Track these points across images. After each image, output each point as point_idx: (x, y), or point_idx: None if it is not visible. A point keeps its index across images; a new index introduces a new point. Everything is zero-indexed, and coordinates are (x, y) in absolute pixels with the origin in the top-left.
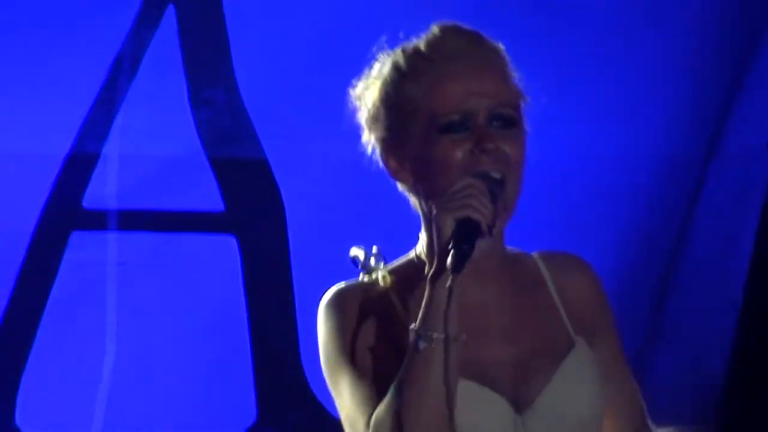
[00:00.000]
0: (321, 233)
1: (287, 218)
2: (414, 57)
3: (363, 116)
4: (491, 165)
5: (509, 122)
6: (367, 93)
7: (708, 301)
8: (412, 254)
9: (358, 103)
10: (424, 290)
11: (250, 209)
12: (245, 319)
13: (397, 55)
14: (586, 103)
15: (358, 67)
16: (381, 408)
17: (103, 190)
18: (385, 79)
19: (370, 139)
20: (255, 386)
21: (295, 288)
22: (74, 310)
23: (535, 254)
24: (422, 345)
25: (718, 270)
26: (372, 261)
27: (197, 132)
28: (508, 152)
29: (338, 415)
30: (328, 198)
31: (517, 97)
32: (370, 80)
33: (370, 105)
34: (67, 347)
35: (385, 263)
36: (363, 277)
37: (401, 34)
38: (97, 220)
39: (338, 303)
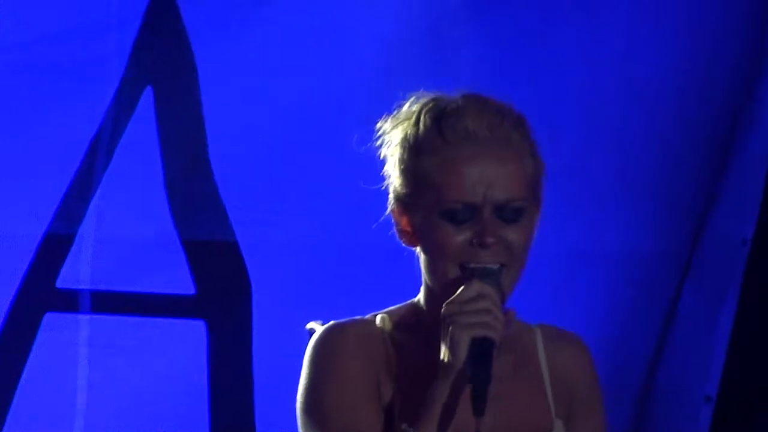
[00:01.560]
0: (288, 318)
1: (255, 302)
2: (431, 131)
3: (386, 153)
4: (490, 257)
5: (518, 215)
6: (393, 133)
7: (685, 397)
8: (412, 302)
9: (383, 137)
10: (421, 341)
11: (220, 294)
12: (206, 402)
13: (421, 114)
14: (571, 199)
15: (328, 153)
16: None
17: (78, 271)
18: (406, 135)
19: (388, 177)
20: None
21: (256, 371)
22: (45, 391)
23: (535, 326)
24: None
25: (696, 365)
26: None
27: (171, 215)
28: (511, 241)
29: None
30: (296, 282)
31: (529, 184)
32: (399, 120)
33: (392, 148)
34: (36, 429)
35: None
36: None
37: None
38: (70, 301)
39: (330, 346)
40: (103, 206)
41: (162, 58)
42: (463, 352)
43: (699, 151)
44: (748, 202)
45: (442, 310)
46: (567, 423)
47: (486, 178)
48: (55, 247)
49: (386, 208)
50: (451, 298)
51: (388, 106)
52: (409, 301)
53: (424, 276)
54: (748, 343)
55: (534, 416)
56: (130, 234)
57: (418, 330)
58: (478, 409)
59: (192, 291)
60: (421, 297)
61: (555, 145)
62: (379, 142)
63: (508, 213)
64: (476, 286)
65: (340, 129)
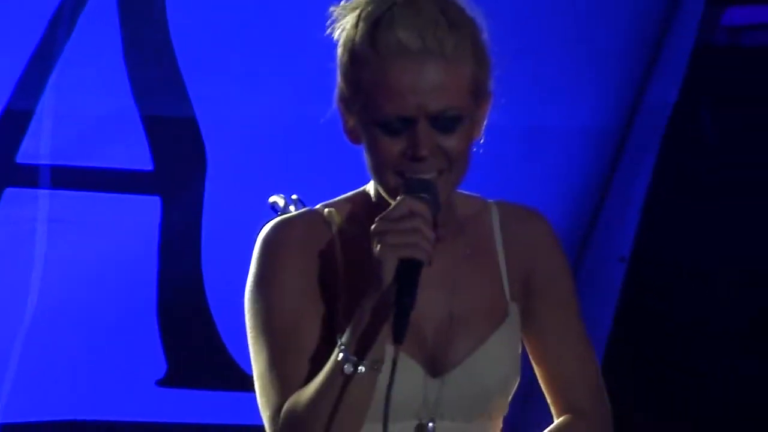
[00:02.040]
0: (243, 196)
1: (210, 177)
2: (365, 41)
3: (337, 38)
4: (426, 168)
5: (454, 123)
6: (343, 21)
7: (605, 258)
8: (362, 191)
9: (336, 22)
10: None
11: (177, 170)
12: (155, 277)
13: (360, 16)
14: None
15: (291, 33)
16: (294, 407)
17: (38, 146)
18: (347, 37)
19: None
20: (162, 341)
21: (208, 246)
22: (2, 264)
23: (492, 203)
24: (349, 368)
25: (616, 229)
26: (292, 208)
27: (131, 91)
28: (449, 149)
29: (245, 364)
30: (253, 159)
31: (468, 89)
32: (348, 9)
33: (341, 38)
34: None
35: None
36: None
37: None
38: (29, 176)
39: (275, 242)
40: (63, 82)
41: None
42: (389, 272)
43: (634, 35)
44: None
45: (372, 227)
46: (531, 299)
47: (419, 89)
48: (14, 122)
49: None
50: (381, 215)
51: None
52: (359, 189)
53: None
54: (660, 207)
55: (488, 300)
56: (90, 109)
57: (368, 222)
58: (398, 335)
59: (150, 167)
60: (371, 186)
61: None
62: (329, 30)
63: (444, 122)
64: (408, 203)
65: (304, 11)
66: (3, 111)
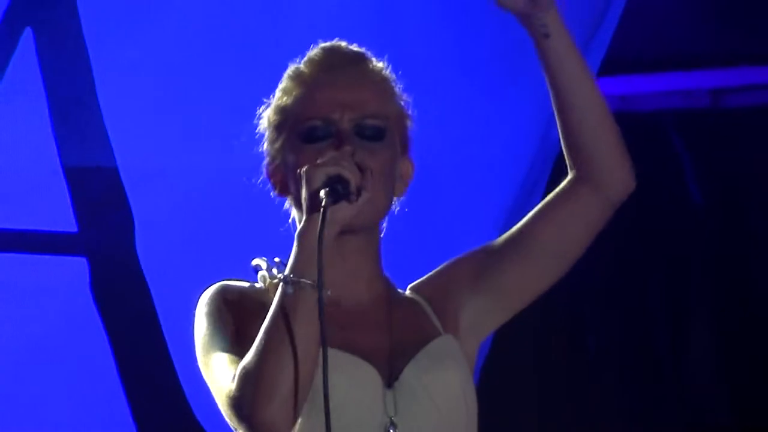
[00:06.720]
0: (174, 245)
1: (138, 231)
2: (291, 75)
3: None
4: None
5: (376, 134)
6: (265, 112)
7: None
8: None
9: (260, 126)
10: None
11: (102, 228)
12: (106, 342)
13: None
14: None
15: (219, 82)
16: (247, 357)
17: None
18: (271, 102)
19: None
20: (133, 415)
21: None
22: None
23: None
24: (290, 290)
25: None
26: (274, 270)
27: (57, 147)
28: (368, 165)
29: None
30: (181, 210)
31: (391, 113)
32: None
33: (265, 126)
34: None
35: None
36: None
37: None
38: None
39: (219, 294)
40: None
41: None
42: (317, 186)
43: None
44: None
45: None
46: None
47: (343, 98)
48: None
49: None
50: None
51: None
52: None
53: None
54: None
55: (422, 331)
56: (15, 167)
57: None
58: (331, 201)
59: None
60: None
61: None
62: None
63: (368, 130)
64: (331, 152)
65: (229, 63)
66: None
